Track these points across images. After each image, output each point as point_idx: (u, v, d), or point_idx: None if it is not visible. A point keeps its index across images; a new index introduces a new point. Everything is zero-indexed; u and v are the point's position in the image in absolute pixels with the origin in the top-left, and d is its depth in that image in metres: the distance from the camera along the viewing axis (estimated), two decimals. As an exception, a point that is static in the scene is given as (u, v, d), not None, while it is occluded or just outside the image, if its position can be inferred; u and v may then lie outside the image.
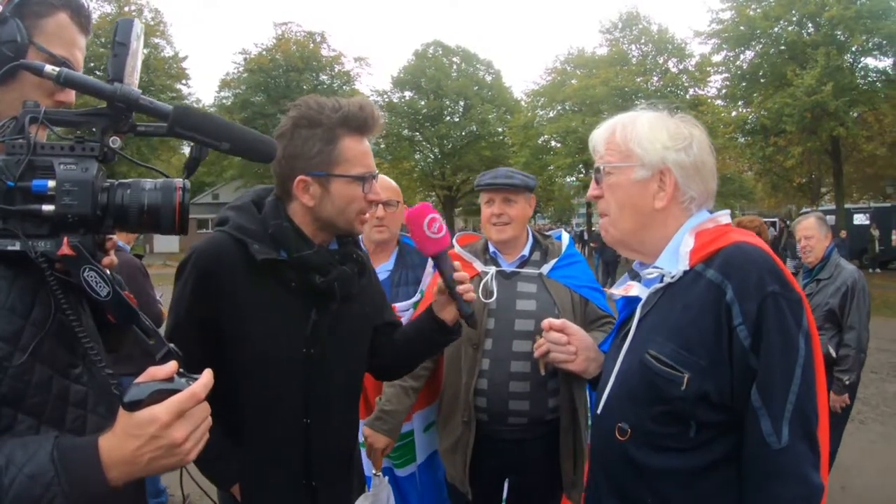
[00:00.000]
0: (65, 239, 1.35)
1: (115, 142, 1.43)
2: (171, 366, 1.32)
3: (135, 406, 1.25)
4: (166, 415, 1.25)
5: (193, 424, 1.31)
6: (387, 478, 3.59)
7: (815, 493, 1.71)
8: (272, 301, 2.19)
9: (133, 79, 1.46)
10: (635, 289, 2.08)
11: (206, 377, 1.34)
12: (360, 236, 3.85)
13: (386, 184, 3.82)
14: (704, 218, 2.00)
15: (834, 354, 5.29)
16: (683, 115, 2.08)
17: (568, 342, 2.42)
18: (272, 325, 2.19)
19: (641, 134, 1.98)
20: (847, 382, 5.26)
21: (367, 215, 2.30)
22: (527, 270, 3.31)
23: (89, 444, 1.28)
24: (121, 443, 1.26)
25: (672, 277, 1.91)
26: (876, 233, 28.40)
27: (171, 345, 1.42)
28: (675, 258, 1.93)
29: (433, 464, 3.73)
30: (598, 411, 2.04)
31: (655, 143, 1.96)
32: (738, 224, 6.00)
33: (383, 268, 3.81)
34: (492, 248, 3.42)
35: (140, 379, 1.30)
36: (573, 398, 3.15)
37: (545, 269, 3.30)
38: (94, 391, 1.52)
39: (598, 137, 2.10)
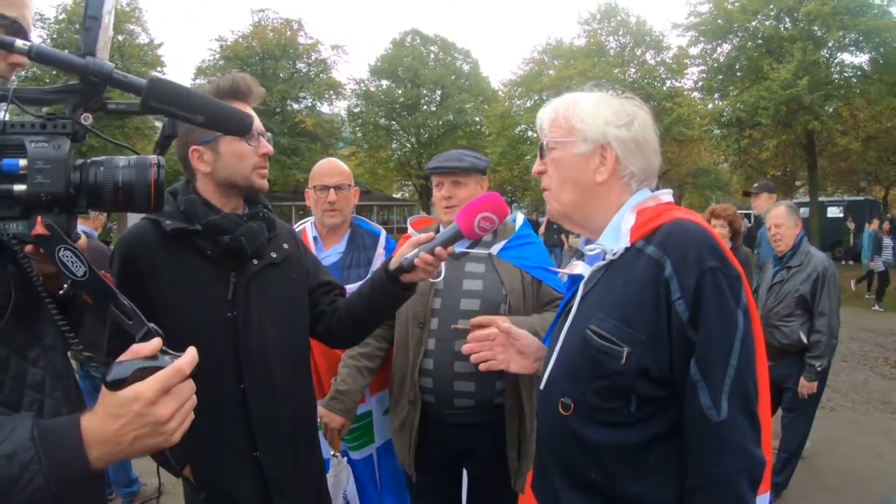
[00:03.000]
0: (38, 219, 1.32)
1: (86, 119, 1.39)
2: (156, 343, 1.30)
3: (118, 385, 1.22)
4: (151, 391, 1.22)
5: (179, 402, 1.28)
6: (346, 458, 3.60)
7: (756, 465, 1.74)
8: (192, 271, 2.31)
9: (104, 54, 1.41)
10: (579, 267, 2.12)
11: (191, 353, 1.31)
12: (313, 219, 3.91)
13: (336, 168, 3.87)
14: (646, 196, 2.02)
15: (805, 340, 5.35)
16: (629, 96, 2.10)
17: (494, 339, 2.43)
18: (195, 293, 2.30)
19: (584, 110, 2.02)
20: (819, 368, 5.31)
21: (266, 170, 2.44)
22: (476, 251, 3.28)
23: (71, 423, 1.24)
24: (103, 422, 1.22)
25: (614, 254, 1.93)
26: (851, 226, 28.67)
27: (152, 324, 1.39)
28: (617, 235, 1.95)
29: (392, 448, 3.73)
30: (542, 387, 2.07)
31: (598, 118, 1.99)
32: (712, 212, 6.07)
33: (335, 250, 3.85)
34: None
35: (123, 357, 1.27)
36: (517, 382, 3.11)
37: (494, 249, 3.26)
38: (50, 375, 1.48)
39: (544, 115, 2.15)
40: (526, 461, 3.13)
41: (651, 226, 1.88)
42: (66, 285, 1.67)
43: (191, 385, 1.31)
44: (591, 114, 2.00)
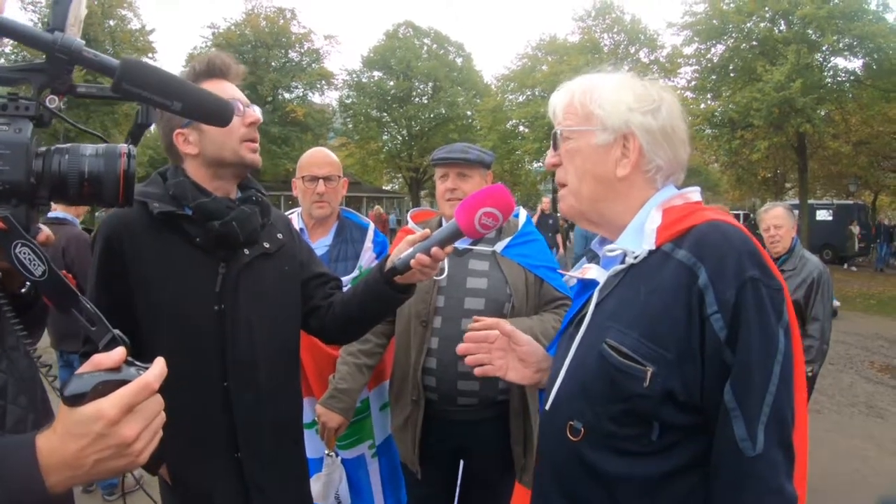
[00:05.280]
0: None
1: (52, 101, 1.26)
2: (119, 353, 1.16)
3: (77, 400, 1.08)
4: (114, 409, 1.08)
5: (145, 420, 1.14)
6: (339, 458, 3.55)
7: (789, 503, 1.52)
8: (178, 259, 2.19)
9: (75, 31, 1.26)
10: (593, 271, 1.87)
11: (160, 366, 1.17)
12: (300, 210, 3.84)
13: (326, 158, 3.77)
14: (673, 193, 1.80)
15: (797, 346, 5.32)
16: (653, 78, 1.89)
17: (493, 342, 2.12)
18: (180, 283, 2.18)
19: (604, 95, 1.79)
20: (809, 373, 5.27)
21: (256, 144, 2.31)
22: (480, 248, 3.21)
23: (25, 444, 1.10)
24: (62, 443, 1.08)
25: (636, 258, 1.71)
26: (856, 230, 28.62)
27: (117, 331, 1.26)
28: (640, 236, 1.73)
29: (391, 444, 3.68)
30: (547, 407, 1.83)
31: (619, 104, 1.76)
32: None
33: (321, 243, 3.76)
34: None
35: (83, 369, 1.14)
36: None
37: (499, 246, 3.21)
38: (13, 379, 1.33)
39: (557, 101, 1.91)
40: (531, 456, 3.11)
41: (680, 227, 1.67)
42: (28, 283, 1.53)
43: (158, 401, 1.17)
44: (611, 99, 1.78)
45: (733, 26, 29.00)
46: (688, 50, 32.51)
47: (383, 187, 60.97)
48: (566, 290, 3.20)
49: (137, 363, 1.18)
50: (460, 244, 3.22)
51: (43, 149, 1.27)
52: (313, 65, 48.83)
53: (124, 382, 1.11)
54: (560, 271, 3.06)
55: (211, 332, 2.20)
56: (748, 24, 28.86)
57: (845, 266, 28.60)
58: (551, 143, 1.92)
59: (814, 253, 5.82)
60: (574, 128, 1.84)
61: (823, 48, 27.06)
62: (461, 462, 3.47)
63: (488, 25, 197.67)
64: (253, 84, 42.19)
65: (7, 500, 1.05)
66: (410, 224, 3.45)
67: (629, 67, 37.60)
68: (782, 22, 28.61)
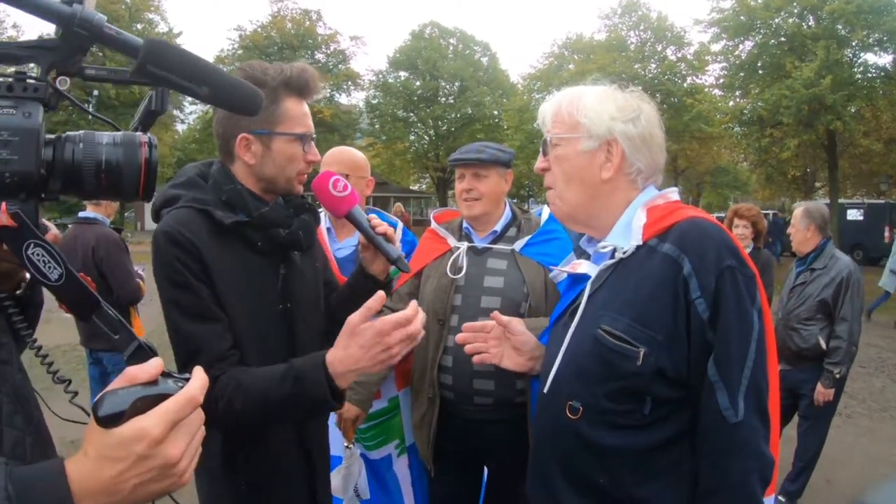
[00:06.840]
0: (2, 206, 1.06)
1: (63, 82, 1.12)
2: (156, 364, 1.02)
3: (114, 420, 0.94)
4: (158, 427, 0.95)
5: (189, 437, 1.01)
6: (358, 451, 3.53)
7: (768, 466, 1.75)
8: (243, 264, 2.18)
9: (91, 4, 1.13)
10: (584, 266, 2.07)
11: (200, 377, 1.04)
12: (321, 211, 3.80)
13: (344, 156, 3.79)
14: (654, 194, 2.00)
15: (824, 346, 5.22)
16: (633, 89, 2.05)
17: (489, 332, 2.37)
18: (247, 286, 2.18)
19: (588, 105, 1.98)
20: (837, 375, 5.16)
21: (306, 177, 2.32)
22: (499, 247, 3.20)
23: (55, 472, 0.95)
24: (97, 468, 0.94)
25: (624, 253, 1.89)
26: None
27: (143, 338, 1.16)
28: (628, 233, 1.92)
29: None
30: (545, 391, 2.00)
31: (603, 113, 1.95)
32: (735, 212, 5.97)
33: (348, 242, 3.77)
34: (465, 225, 3.34)
35: (116, 384, 0.99)
36: None
37: (518, 245, 3.18)
38: (8, 398, 1.16)
39: (546, 110, 2.10)
40: None
41: (664, 224, 1.86)
42: (23, 284, 1.38)
43: (200, 415, 1.04)
44: (595, 108, 1.96)
45: (761, 22, 28.82)
46: (715, 47, 32.40)
47: (410, 187, 61.12)
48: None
49: (175, 374, 1.05)
50: (479, 243, 3.23)
51: (52, 136, 1.16)
52: (339, 66, 49.10)
53: (165, 397, 0.99)
54: (550, 266, 3.04)
55: (280, 332, 2.26)
56: (776, 20, 28.66)
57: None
58: (541, 149, 2.10)
59: (844, 253, 5.71)
60: (562, 135, 2.02)
61: (853, 44, 26.84)
62: (485, 469, 3.45)
63: (514, 25, 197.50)
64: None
65: None
66: (433, 224, 3.44)
67: (656, 66, 37.43)
68: (811, 17, 28.40)
